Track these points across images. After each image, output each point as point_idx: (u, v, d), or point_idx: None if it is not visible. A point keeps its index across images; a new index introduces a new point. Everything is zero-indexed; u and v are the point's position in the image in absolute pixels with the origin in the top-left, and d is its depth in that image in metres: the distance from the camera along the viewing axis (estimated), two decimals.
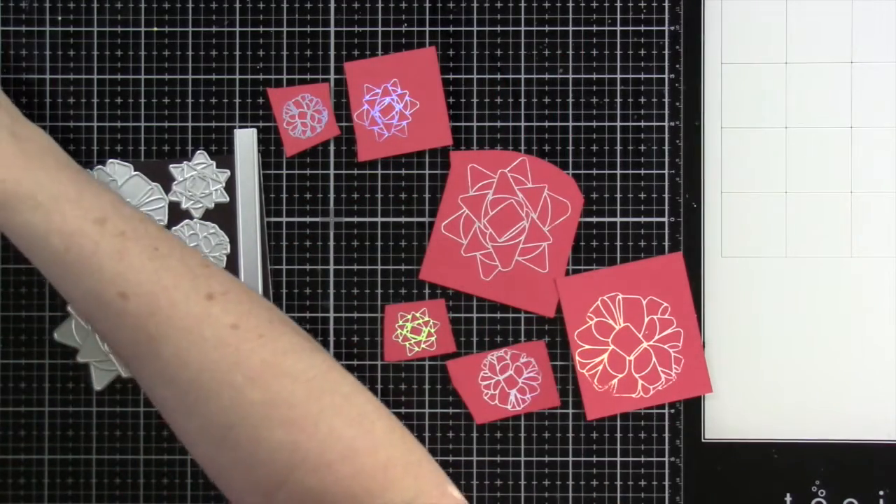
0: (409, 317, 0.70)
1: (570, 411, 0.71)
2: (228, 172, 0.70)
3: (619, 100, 0.71)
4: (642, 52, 0.71)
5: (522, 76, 0.71)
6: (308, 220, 0.71)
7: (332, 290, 0.71)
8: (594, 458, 0.70)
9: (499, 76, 0.71)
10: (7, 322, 0.70)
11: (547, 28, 0.71)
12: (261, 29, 0.71)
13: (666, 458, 0.70)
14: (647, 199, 0.71)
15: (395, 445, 0.53)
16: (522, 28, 0.71)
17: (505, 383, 0.70)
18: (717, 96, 0.71)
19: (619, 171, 0.71)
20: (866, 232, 0.71)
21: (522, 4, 0.71)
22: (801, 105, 0.71)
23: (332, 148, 0.71)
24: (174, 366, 0.52)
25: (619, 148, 0.71)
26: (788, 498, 0.70)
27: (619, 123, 0.71)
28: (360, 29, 0.71)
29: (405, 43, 0.71)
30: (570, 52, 0.71)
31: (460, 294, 0.71)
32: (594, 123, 0.71)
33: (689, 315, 0.70)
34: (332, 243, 0.71)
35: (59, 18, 0.71)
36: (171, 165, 0.70)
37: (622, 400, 0.70)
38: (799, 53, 0.71)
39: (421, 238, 0.71)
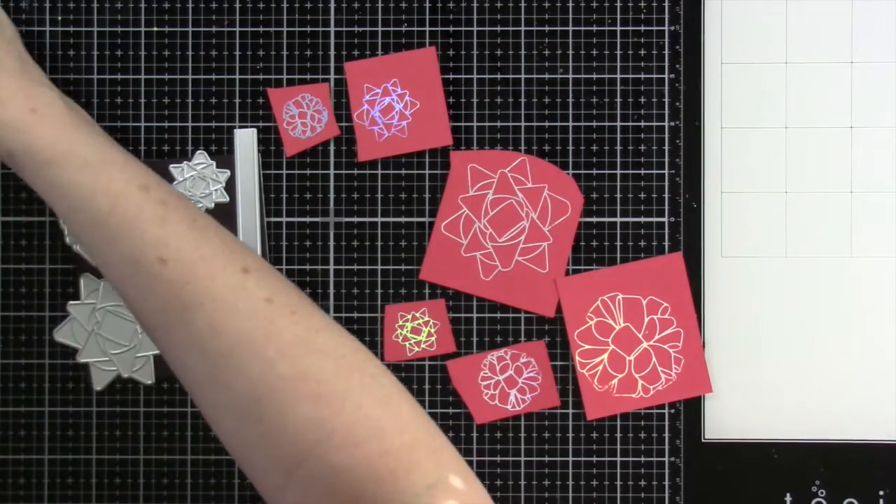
0: (409, 317, 0.70)
1: (570, 411, 0.71)
2: (228, 172, 0.70)
3: (619, 100, 0.71)
4: (642, 52, 0.71)
5: (522, 76, 0.71)
6: (308, 220, 0.71)
7: (332, 290, 0.71)
8: (594, 458, 0.70)
9: (499, 76, 0.71)
10: (7, 322, 0.70)
11: (547, 28, 0.71)
12: (261, 29, 0.71)
13: (666, 458, 0.70)
14: (647, 199, 0.71)
15: (420, 429, 0.53)
16: (522, 28, 0.71)
17: (505, 383, 0.70)
18: (717, 96, 0.71)
19: (619, 171, 0.71)
20: (866, 232, 0.71)
21: (522, 4, 0.71)
22: (801, 105, 0.71)
23: (332, 148, 0.71)
24: (206, 335, 0.52)
25: (619, 148, 0.71)
26: (788, 498, 0.70)
27: (619, 123, 0.71)
28: (360, 29, 0.71)
29: (405, 43, 0.71)
30: (570, 52, 0.71)
31: (460, 294, 0.71)
32: (594, 123, 0.71)
33: (689, 315, 0.70)
34: (332, 243, 0.71)
35: (59, 18, 0.71)
36: (171, 165, 0.70)
37: (622, 400, 0.70)
38: (799, 53, 0.71)
39: (421, 238, 0.71)
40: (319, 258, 0.71)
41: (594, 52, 0.71)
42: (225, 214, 0.70)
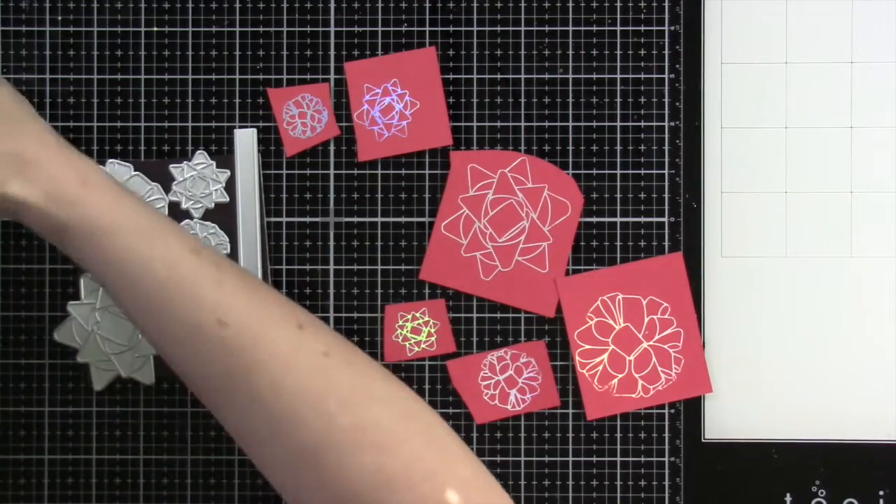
0: (409, 317, 0.70)
1: (570, 411, 0.71)
2: (228, 172, 0.70)
3: (619, 100, 0.71)
4: (642, 52, 0.71)
5: (522, 76, 0.71)
6: (308, 220, 0.71)
7: (332, 290, 0.71)
8: (594, 458, 0.70)
9: (499, 76, 0.71)
10: (7, 322, 0.70)
11: (547, 28, 0.71)
12: (261, 29, 0.71)
13: (666, 458, 0.70)
14: (647, 199, 0.71)
15: (470, 465, 0.54)
16: (522, 28, 0.71)
17: (505, 383, 0.70)
18: (717, 96, 0.71)
19: (619, 171, 0.71)
20: (866, 232, 0.71)
21: (522, 4, 0.71)
22: (801, 105, 0.71)
23: (332, 148, 0.71)
24: (268, 395, 0.52)
25: (619, 148, 0.71)
26: (788, 498, 0.70)
27: (619, 123, 0.71)
28: (360, 29, 0.71)
29: (405, 43, 0.71)
30: (570, 52, 0.71)
31: (460, 294, 0.71)
32: (594, 123, 0.71)
33: (689, 315, 0.70)
34: (332, 243, 0.71)
35: (59, 18, 0.71)
36: (171, 165, 0.70)
37: (622, 400, 0.70)
38: (799, 53, 0.71)
39: (421, 238, 0.71)
40: (319, 258, 0.71)
41: (594, 52, 0.71)
42: (225, 214, 0.70)
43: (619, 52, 0.71)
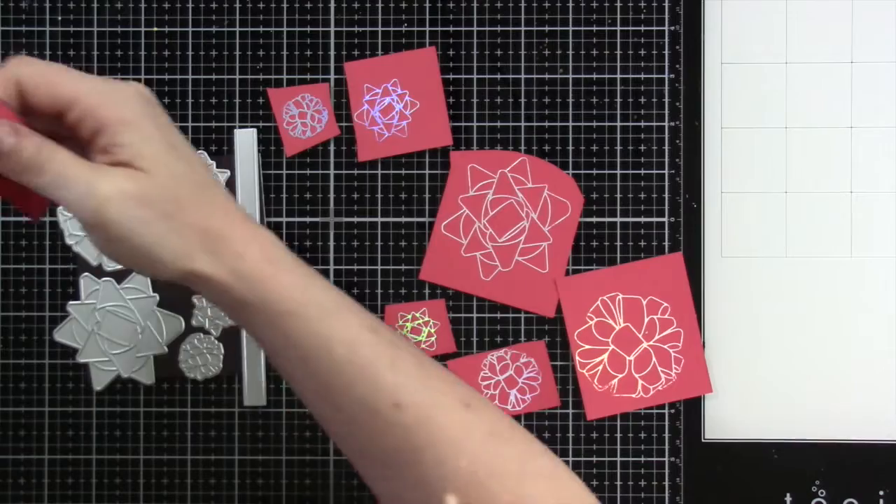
0: (409, 317, 0.70)
1: (570, 411, 0.71)
2: (228, 172, 0.70)
3: (619, 100, 0.71)
4: (642, 52, 0.71)
5: (522, 76, 0.71)
6: (308, 220, 0.71)
7: None
8: (594, 458, 0.70)
9: (499, 76, 0.71)
10: (7, 322, 0.70)
11: (547, 28, 0.71)
12: (261, 29, 0.71)
13: (666, 458, 0.70)
14: (647, 199, 0.71)
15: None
16: (522, 28, 0.71)
17: (505, 383, 0.70)
18: (717, 96, 0.71)
19: (619, 171, 0.71)
20: (866, 232, 0.71)
21: (522, 4, 0.71)
22: (801, 105, 0.71)
23: (332, 148, 0.71)
24: (434, 473, 0.52)
25: (619, 148, 0.71)
26: (788, 498, 0.70)
27: (619, 123, 0.71)
28: (360, 29, 0.71)
29: (405, 43, 0.71)
30: (570, 52, 0.71)
31: (460, 294, 0.71)
32: (594, 123, 0.71)
33: (689, 315, 0.70)
34: (332, 243, 0.71)
35: (59, 18, 0.71)
36: None
37: (622, 400, 0.70)
38: (799, 53, 0.71)
39: (421, 238, 0.71)
40: (319, 258, 0.71)
41: (594, 52, 0.71)
42: None
43: (619, 52, 0.71)
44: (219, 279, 0.50)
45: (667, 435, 0.70)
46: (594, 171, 0.71)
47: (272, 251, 0.51)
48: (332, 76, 0.71)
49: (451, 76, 0.71)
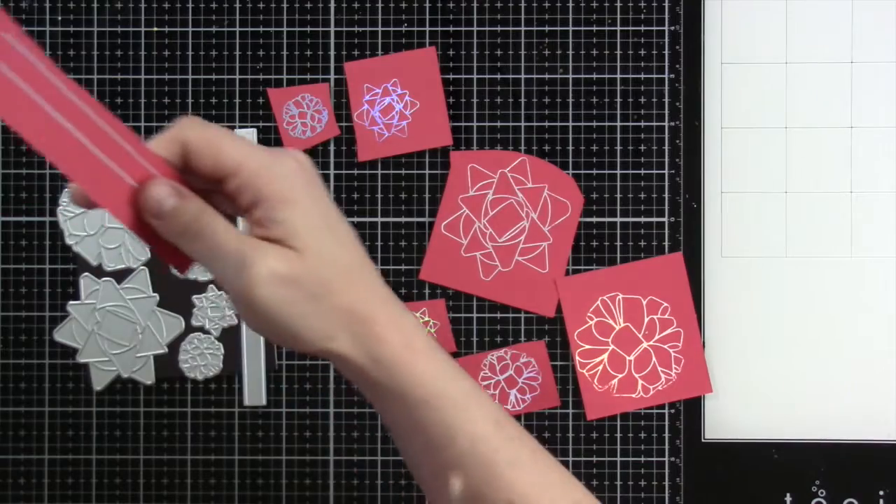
0: None
1: (570, 411, 0.71)
2: None
3: (619, 100, 0.71)
4: (642, 52, 0.71)
5: (522, 76, 0.71)
6: None
7: None
8: (594, 458, 0.70)
9: (499, 76, 0.71)
10: (7, 322, 0.70)
11: (547, 28, 0.71)
12: (261, 29, 0.71)
13: (666, 458, 0.70)
14: (647, 199, 0.71)
15: None
16: (522, 28, 0.71)
17: (505, 383, 0.70)
18: (717, 96, 0.71)
19: (619, 171, 0.71)
20: (866, 232, 0.71)
21: (522, 4, 0.71)
22: (801, 105, 0.71)
23: (332, 148, 0.71)
24: None
25: (619, 148, 0.71)
26: (788, 498, 0.70)
27: (619, 123, 0.71)
28: (360, 29, 0.71)
29: (405, 43, 0.71)
30: (570, 52, 0.71)
31: (460, 294, 0.71)
32: (594, 123, 0.71)
33: (689, 315, 0.70)
34: None
35: (59, 18, 0.71)
36: None
37: (622, 400, 0.70)
38: (799, 53, 0.71)
39: (421, 238, 0.71)
40: None
41: (594, 52, 0.71)
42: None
43: (619, 52, 0.71)
44: (357, 361, 0.50)
45: (667, 435, 0.70)
46: (594, 171, 0.71)
47: (413, 336, 0.51)
48: (332, 76, 0.71)
49: (451, 76, 0.71)
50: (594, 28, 0.71)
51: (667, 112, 0.71)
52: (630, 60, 0.71)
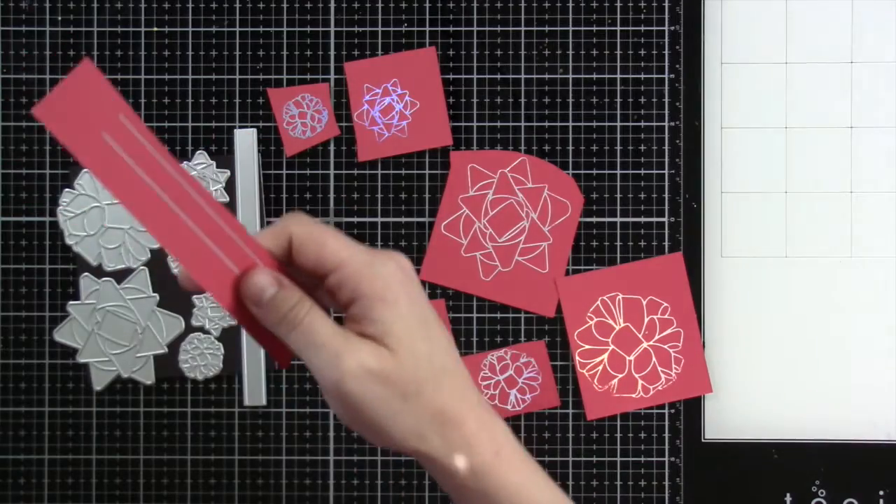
0: None
1: (570, 411, 0.71)
2: (228, 172, 0.70)
3: (619, 100, 0.71)
4: (642, 52, 0.71)
5: (522, 76, 0.71)
6: None
7: None
8: (594, 458, 0.70)
9: (499, 76, 0.71)
10: (7, 322, 0.71)
11: (547, 28, 0.71)
12: (261, 29, 0.71)
13: (666, 458, 0.70)
14: (647, 199, 0.71)
15: None
16: (522, 28, 0.71)
17: (505, 383, 0.70)
18: (717, 96, 0.71)
19: (619, 171, 0.71)
20: (866, 232, 0.71)
21: (522, 4, 0.71)
22: (801, 105, 0.71)
23: (332, 148, 0.71)
24: None
25: (619, 148, 0.71)
26: (788, 498, 0.70)
27: (619, 123, 0.71)
28: (360, 29, 0.71)
29: (405, 43, 0.71)
30: (570, 52, 0.71)
31: (460, 294, 0.71)
32: (594, 123, 0.71)
33: (689, 315, 0.70)
34: None
35: (59, 18, 0.71)
36: None
37: (622, 400, 0.70)
38: (799, 53, 0.71)
39: (421, 238, 0.71)
40: None
41: (594, 52, 0.71)
42: None
43: (619, 52, 0.71)
44: (443, 461, 0.50)
45: (667, 435, 0.70)
46: (594, 171, 0.71)
47: (501, 442, 0.51)
48: (332, 76, 0.71)
49: (451, 76, 0.71)
50: (594, 28, 0.71)
51: (667, 112, 0.71)
52: (630, 60, 0.71)
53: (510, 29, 0.71)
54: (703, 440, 0.71)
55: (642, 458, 0.70)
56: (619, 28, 0.71)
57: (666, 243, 0.71)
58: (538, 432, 0.70)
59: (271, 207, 0.71)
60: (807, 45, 0.71)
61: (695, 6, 0.71)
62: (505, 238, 0.70)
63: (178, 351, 0.70)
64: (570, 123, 0.71)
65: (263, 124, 0.71)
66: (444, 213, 0.71)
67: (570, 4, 0.71)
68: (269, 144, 0.71)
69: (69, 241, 0.70)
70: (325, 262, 0.49)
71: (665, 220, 0.71)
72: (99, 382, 0.70)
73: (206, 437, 0.70)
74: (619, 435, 0.70)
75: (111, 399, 0.71)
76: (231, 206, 0.70)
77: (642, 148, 0.71)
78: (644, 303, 0.70)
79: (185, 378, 0.70)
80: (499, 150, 0.71)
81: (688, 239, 0.71)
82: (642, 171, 0.71)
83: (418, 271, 0.71)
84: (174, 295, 0.70)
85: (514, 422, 0.70)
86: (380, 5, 0.71)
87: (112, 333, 0.70)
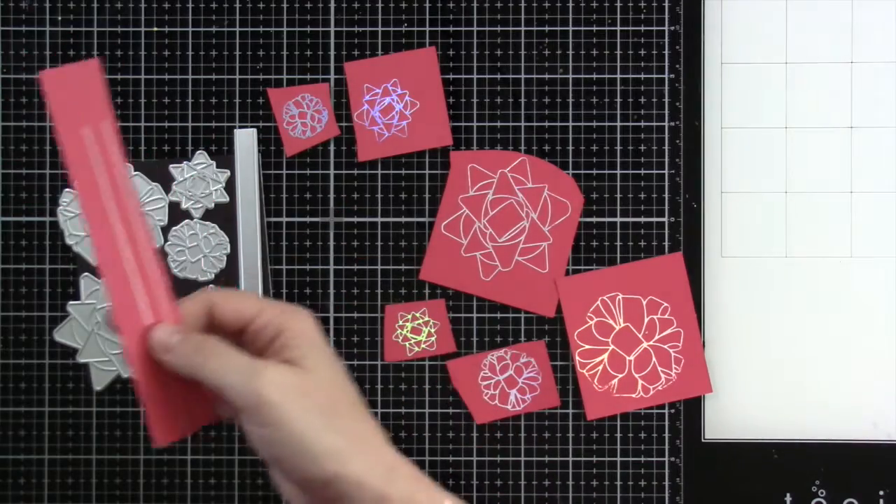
0: (409, 317, 0.70)
1: (570, 411, 0.71)
2: (228, 172, 0.70)
3: (619, 100, 0.71)
4: (642, 52, 0.71)
5: (522, 76, 0.71)
6: (308, 220, 0.71)
7: (332, 290, 0.71)
8: (594, 458, 0.70)
9: (499, 76, 0.71)
10: (7, 322, 0.71)
11: (547, 28, 0.71)
12: (261, 29, 0.71)
13: (666, 458, 0.70)
14: (647, 199, 0.71)
15: None
16: (522, 28, 0.71)
17: (505, 383, 0.70)
18: (717, 96, 0.71)
19: (619, 171, 0.71)
20: (866, 232, 0.71)
21: (522, 4, 0.71)
22: (801, 105, 0.71)
23: (332, 148, 0.71)
24: None
25: (619, 148, 0.71)
26: (788, 498, 0.70)
27: (619, 123, 0.71)
28: (360, 29, 0.71)
29: (405, 43, 0.71)
30: (570, 52, 0.71)
31: (460, 294, 0.71)
32: (594, 123, 0.71)
33: (689, 315, 0.70)
34: (332, 243, 0.71)
35: (59, 18, 0.71)
36: (171, 165, 0.70)
37: (622, 400, 0.70)
38: (799, 53, 0.71)
39: (421, 238, 0.71)
40: (319, 258, 0.71)
41: (594, 52, 0.71)
42: (225, 214, 0.70)
43: (619, 52, 0.71)
44: (373, 484, 0.49)
45: (667, 435, 0.70)
46: (594, 171, 0.71)
47: (416, 473, 0.51)
48: (332, 76, 0.71)
49: (451, 76, 0.71)
50: (594, 28, 0.71)
51: (667, 112, 0.71)
52: (630, 60, 0.71)
53: (510, 29, 0.71)
54: (703, 440, 0.71)
55: (642, 458, 0.70)
56: (619, 28, 0.71)
57: (666, 243, 0.71)
58: (538, 432, 0.70)
59: (271, 207, 0.71)
60: (807, 45, 0.71)
61: (695, 6, 0.71)
62: (505, 238, 0.70)
63: None
64: (570, 123, 0.71)
65: (263, 124, 0.71)
66: (444, 213, 0.71)
67: (570, 4, 0.71)
68: (269, 144, 0.71)
69: (69, 241, 0.70)
70: (244, 312, 0.51)
71: (665, 220, 0.71)
72: (99, 382, 0.70)
73: (206, 437, 0.70)
74: (619, 435, 0.70)
75: (111, 399, 0.71)
76: (231, 206, 0.70)
77: (642, 148, 0.71)
78: (644, 303, 0.70)
79: None
80: (499, 150, 0.71)
81: (688, 239, 0.71)
82: (642, 171, 0.71)
83: (418, 271, 0.71)
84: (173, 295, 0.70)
85: (514, 422, 0.70)
86: (380, 5, 0.71)
87: (112, 333, 0.69)
